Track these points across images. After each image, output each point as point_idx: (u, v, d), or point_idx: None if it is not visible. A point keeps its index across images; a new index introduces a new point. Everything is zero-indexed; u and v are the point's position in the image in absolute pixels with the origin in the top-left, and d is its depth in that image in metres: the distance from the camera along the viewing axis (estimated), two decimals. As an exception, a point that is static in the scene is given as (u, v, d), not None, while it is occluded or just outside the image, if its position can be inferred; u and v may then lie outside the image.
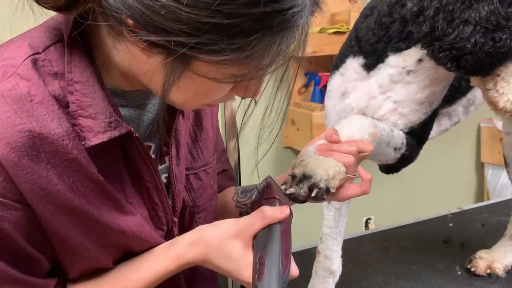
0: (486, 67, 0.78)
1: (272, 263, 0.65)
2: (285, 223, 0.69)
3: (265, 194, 0.73)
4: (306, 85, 2.17)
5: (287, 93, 0.62)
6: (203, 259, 0.70)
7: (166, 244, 0.74)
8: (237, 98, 1.17)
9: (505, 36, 0.72)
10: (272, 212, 0.68)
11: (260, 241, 0.68)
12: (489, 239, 1.32)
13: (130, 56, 0.61)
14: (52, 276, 0.68)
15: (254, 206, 0.73)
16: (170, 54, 0.55)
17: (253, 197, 0.75)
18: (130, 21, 0.54)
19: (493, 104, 0.82)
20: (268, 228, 0.68)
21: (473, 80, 0.85)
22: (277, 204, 0.71)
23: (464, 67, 0.76)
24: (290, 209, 0.72)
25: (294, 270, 0.69)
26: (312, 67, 2.16)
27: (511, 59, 0.77)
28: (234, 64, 0.56)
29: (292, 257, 0.69)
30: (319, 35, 1.97)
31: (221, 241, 0.69)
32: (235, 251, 0.68)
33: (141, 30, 0.54)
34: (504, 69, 0.78)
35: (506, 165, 1.32)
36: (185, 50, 0.54)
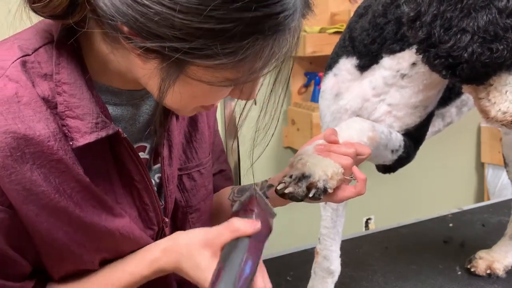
0: (481, 77, 0.77)
1: (228, 274, 0.63)
2: (256, 237, 0.67)
3: (245, 206, 0.71)
4: (306, 85, 2.17)
5: (280, 95, 0.62)
6: (175, 267, 0.70)
7: (142, 249, 0.73)
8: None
9: (502, 47, 0.72)
10: (240, 225, 0.67)
11: (225, 252, 0.67)
12: (489, 239, 1.32)
13: (127, 62, 0.61)
14: (31, 278, 0.68)
15: (233, 216, 0.70)
16: (165, 60, 0.56)
17: (235, 207, 0.73)
18: (125, 28, 0.55)
19: (484, 113, 0.82)
20: (236, 240, 0.67)
21: (465, 88, 0.85)
22: (253, 218, 0.68)
23: (459, 75, 0.76)
24: (269, 223, 0.70)
25: (259, 284, 0.67)
26: (312, 67, 2.16)
27: (505, 69, 0.76)
28: (227, 67, 0.57)
29: (263, 271, 0.68)
30: (319, 35, 1.97)
31: (191, 250, 0.68)
32: (202, 260, 0.67)
33: (136, 36, 0.55)
34: (497, 79, 0.78)
35: (506, 165, 1.32)
36: (179, 55, 0.54)
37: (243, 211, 0.70)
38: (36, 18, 0.62)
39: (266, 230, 0.70)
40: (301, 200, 0.75)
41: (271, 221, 0.71)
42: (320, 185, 0.73)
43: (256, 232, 0.67)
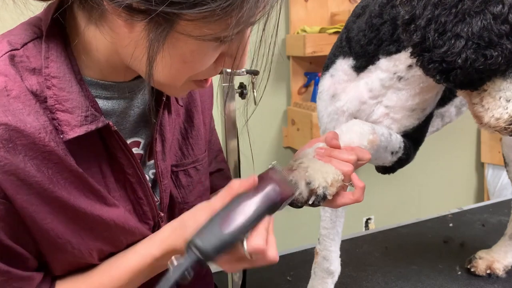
0: (475, 82, 0.76)
1: (212, 222, 0.64)
2: (253, 194, 0.67)
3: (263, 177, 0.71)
4: (306, 85, 2.18)
5: (271, 43, 0.60)
6: (184, 241, 0.70)
7: (157, 231, 0.74)
8: (237, 99, 1.17)
9: (496, 53, 0.70)
10: (235, 183, 0.68)
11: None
12: (489, 239, 1.33)
13: (113, 36, 0.61)
14: (39, 271, 0.68)
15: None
16: (152, 19, 0.55)
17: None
18: None
19: (477, 118, 0.81)
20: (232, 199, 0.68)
21: (459, 92, 0.84)
22: (274, 184, 0.68)
23: (453, 80, 0.75)
24: (286, 189, 0.69)
25: (256, 241, 0.64)
26: (312, 67, 2.16)
27: (500, 75, 0.75)
28: (215, 16, 0.56)
29: (268, 234, 0.66)
30: (319, 35, 1.97)
31: (197, 220, 0.68)
32: None
33: None
34: (491, 85, 0.77)
35: (506, 165, 1.32)
36: (165, 7, 0.54)
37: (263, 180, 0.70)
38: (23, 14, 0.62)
39: (276, 194, 0.68)
40: (301, 207, 0.74)
41: (290, 190, 0.71)
42: (320, 192, 0.73)
43: (257, 189, 0.67)
